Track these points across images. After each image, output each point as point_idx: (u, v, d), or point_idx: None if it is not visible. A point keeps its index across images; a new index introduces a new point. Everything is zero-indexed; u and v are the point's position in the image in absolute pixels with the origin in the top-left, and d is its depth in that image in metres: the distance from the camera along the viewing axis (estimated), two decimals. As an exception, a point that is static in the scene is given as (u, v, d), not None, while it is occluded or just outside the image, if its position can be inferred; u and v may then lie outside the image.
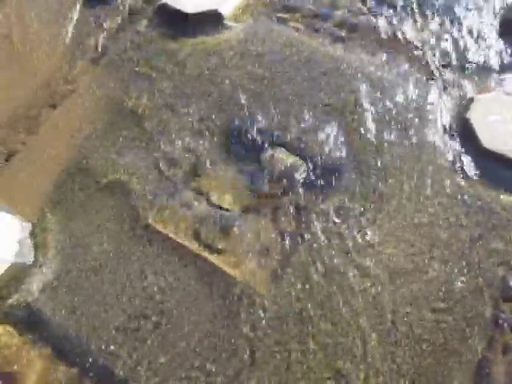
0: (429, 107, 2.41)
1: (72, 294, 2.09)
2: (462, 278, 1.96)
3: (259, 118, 2.45)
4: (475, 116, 2.32)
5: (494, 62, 2.56)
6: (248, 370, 1.86)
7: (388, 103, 2.44)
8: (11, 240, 2.18)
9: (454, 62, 2.59)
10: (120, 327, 1.99)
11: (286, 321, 1.93)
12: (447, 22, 2.73)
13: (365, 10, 2.80)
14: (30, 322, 2.05)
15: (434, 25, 2.73)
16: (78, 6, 3.03)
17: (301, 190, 2.23)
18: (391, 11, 2.79)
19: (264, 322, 1.94)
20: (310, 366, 1.85)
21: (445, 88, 2.49)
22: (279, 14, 2.84)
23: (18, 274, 2.14)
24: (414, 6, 2.80)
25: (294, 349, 1.88)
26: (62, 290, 2.10)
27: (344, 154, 2.30)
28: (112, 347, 1.96)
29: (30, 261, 2.18)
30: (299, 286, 2.00)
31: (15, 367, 1.96)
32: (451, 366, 1.81)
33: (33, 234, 2.24)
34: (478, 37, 2.66)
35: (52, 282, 2.13)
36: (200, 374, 1.88)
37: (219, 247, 2.13)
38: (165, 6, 2.87)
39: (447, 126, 2.36)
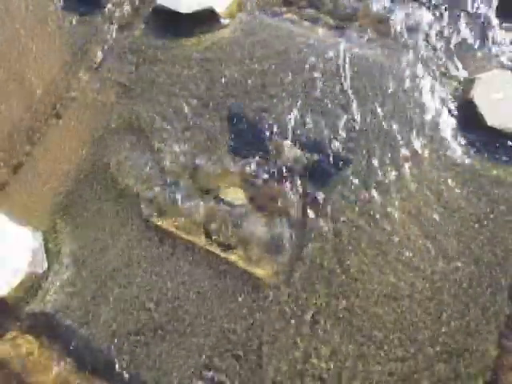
0: (430, 89, 2.40)
1: (88, 300, 2.10)
2: (470, 256, 1.96)
3: (261, 112, 2.45)
4: (478, 95, 2.30)
5: (494, 40, 2.54)
6: (266, 370, 1.87)
7: (389, 90, 2.43)
8: (24, 250, 2.19)
9: (453, 42, 2.57)
10: (137, 331, 2.00)
11: (304, 313, 1.94)
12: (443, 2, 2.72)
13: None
14: (48, 331, 2.07)
15: (432, 7, 2.72)
16: (74, 15, 3.04)
17: (307, 180, 2.23)
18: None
19: (282, 316, 1.94)
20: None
21: (445, 69, 2.48)
22: (275, 8, 2.84)
23: (34, 283, 2.16)
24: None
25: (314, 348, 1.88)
26: (77, 296, 2.11)
27: (347, 141, 2.30)
28: (130, 352, 1.97)
29: (44, 269, 2.20)
30: (315, 277, 2.00)
31: (36, 377, 1.98)
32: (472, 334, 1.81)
33: (45, 243, 2.26)
34: (476, 14, 2.64)
35: (67, 289, 2.14)
36: (217, 374, 1.89)
37: (231, 243, 2.13)
38: (159, 8, 2.87)
39: (450, 108, 2.35)
